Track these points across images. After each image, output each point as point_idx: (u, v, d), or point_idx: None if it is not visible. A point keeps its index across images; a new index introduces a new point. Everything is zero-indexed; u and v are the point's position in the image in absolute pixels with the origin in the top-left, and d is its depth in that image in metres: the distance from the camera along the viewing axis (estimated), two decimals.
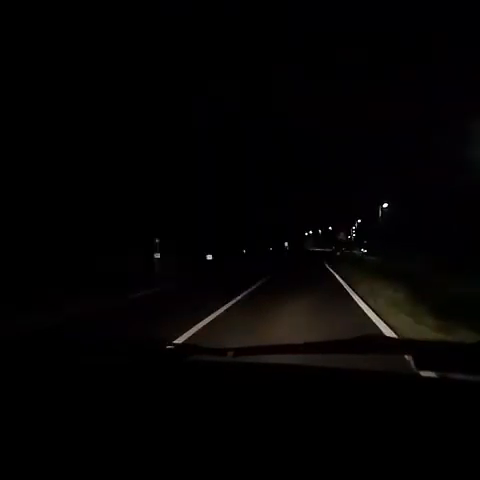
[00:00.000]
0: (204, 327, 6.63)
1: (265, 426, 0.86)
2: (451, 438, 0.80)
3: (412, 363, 1.14)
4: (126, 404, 0.97)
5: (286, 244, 79.03)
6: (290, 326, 6.57)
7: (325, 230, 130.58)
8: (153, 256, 19.07)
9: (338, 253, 51.70)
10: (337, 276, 17.48)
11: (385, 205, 45.18)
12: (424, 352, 1.23)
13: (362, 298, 9.68)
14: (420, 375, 1.12)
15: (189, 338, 5.80)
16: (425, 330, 5.87)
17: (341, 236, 49.02)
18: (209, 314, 7.66)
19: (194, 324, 6.72)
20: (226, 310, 8.41)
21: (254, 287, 13.08)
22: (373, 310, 7.92)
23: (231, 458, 0.75)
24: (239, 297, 10.41)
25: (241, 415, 0.91)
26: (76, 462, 0.74)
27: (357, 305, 8.80)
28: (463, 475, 0.70)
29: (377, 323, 6.65)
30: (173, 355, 1.37)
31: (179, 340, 5.53)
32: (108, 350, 1.41)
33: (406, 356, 1.21)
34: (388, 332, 5.93)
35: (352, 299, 9.85)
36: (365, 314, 7.61)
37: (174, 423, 0.88)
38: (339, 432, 0.83)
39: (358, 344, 1.32)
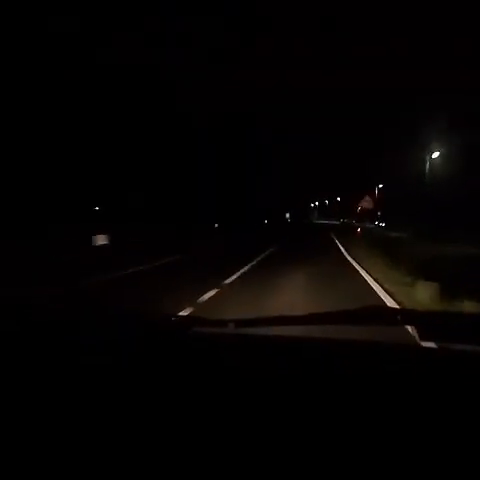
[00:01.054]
0: None
1: (266, 398, 0.86)
2: (454, 408, 0.80)
3: (415, 334, 1.13)
4: (128, 375, 0.97)
5: (287, 216, 65.95)
6: None
7: (333, 200, 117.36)
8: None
9: (359, 229, 29.68)
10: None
11: (436, 154, 29.54)
12: (427, 323, 1.21)
13: None
14: (423, 345, 1.14)
15: None
16: None
17: (365, 203, 29.23)
18: None
19: None
20: None
21: None
22: None
23: (233, 431, 0.75)
24: None
25: (242, 386, 0.91)
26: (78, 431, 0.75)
27: None
28: (464, 446, 0.70)
29: None
30: (176, 327, 1.38)
31: None
32: (109, 322, 1.40)
33: (409, 327, 1.21)
34: None
35: None
36: None
37: (176, 395, 0.88)
38: (341, 404, 0.83)
39: (361, 315, 1.28)
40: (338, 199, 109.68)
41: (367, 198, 30.47)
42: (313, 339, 1.22)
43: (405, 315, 1.37)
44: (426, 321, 1.22)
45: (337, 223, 74.37)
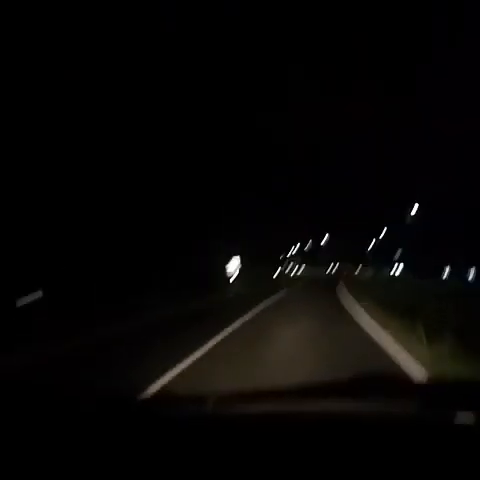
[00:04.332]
0: None
1: None
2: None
3: (417, 405, 1.10)
4: (93, 471, 0.89)
5: (229, 268, 30.94)
6: None
7: (317, 241, 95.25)
8: None
9: None
10: None
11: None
12: (427, 393, 1.15)
13: None
14: (425, 416, 1.09)
15: None
16: None
17: None
18: None
19: None
20: None
21: None
22: None
23: None
24: None
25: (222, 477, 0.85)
26: None
27: None
28: None
29: None
30: (145, 409, 1.26)
31: None
32: (73, 407, 1.25)
33: (409, 398, 1.16)
34: None
35: None
36: None
37: None
38: None
39: (356, 385, 1.19)
40: (327, 236, 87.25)
41: None
42: (303, 416, 1.09)
43: (404, 385, 1.37)
44: (426, 391, 1.16)
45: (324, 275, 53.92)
